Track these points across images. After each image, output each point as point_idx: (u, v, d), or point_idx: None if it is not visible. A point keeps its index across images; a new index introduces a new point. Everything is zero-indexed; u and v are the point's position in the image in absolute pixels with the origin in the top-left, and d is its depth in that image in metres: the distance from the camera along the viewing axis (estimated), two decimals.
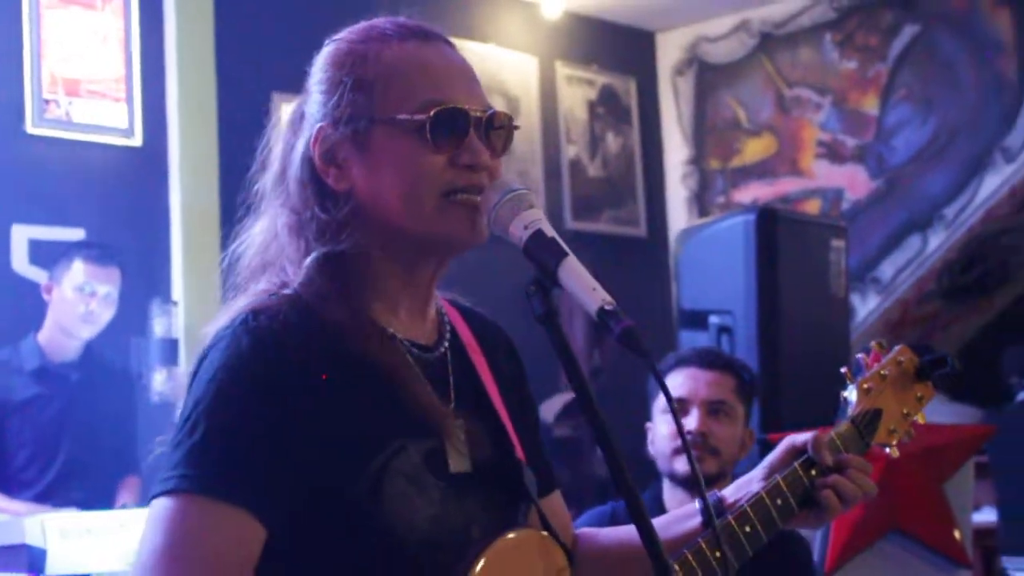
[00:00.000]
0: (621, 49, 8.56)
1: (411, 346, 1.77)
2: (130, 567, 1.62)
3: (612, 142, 8.41)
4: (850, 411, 2.12)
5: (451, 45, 1.81)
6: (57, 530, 3.93)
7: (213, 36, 6.13)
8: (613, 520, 3.08)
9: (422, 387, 1.74)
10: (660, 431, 3.23)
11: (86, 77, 5.68)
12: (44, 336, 4.93)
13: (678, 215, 8.62)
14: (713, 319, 4.58)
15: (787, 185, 8.21)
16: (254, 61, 6.14)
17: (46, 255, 5.37)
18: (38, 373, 4.87)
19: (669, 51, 8.71)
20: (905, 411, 2.16)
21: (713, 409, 3.21)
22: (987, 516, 6.29)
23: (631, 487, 1.57)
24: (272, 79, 5.85)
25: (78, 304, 4.85)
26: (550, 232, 1.62)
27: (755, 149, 8.38)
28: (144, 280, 5.53)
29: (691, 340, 4.62)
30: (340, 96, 1.75)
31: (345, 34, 1.82)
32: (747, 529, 1.93)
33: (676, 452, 3.17)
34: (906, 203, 7.71)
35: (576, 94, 8.19)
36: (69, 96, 5.62)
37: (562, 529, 1.94)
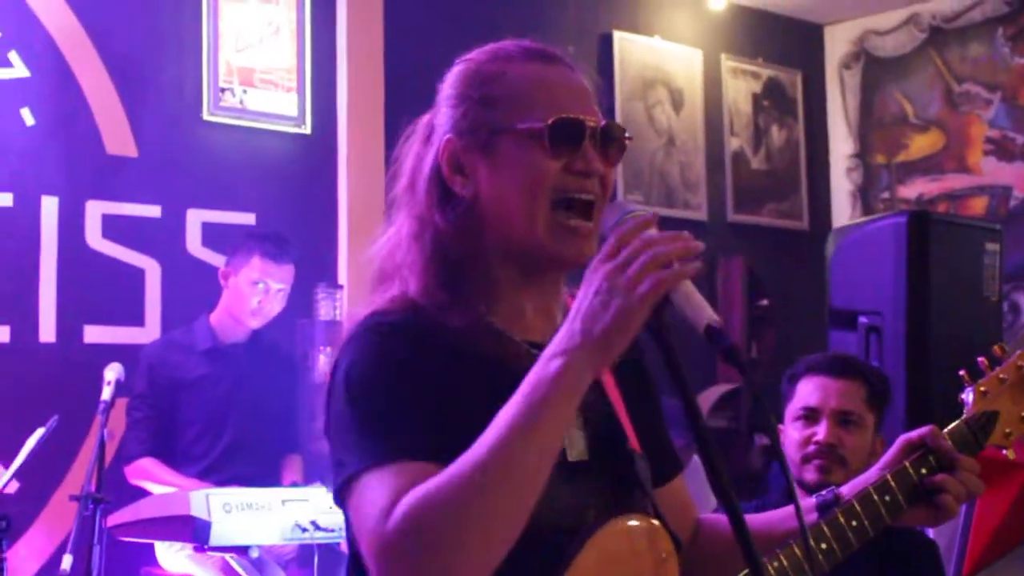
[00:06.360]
0: (787, 42, 8.55)
1: (528, 346, 1.86)
2: (363, 545, 1.66)
3: (776, 135, 8.40)
4: (965, 413, 2.18)
5: (571, 67, 1.92)
6: (221, 504, 4.13)
7: (383, 29, 6.32)
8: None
9: None
10: (791, 437, 3.25)
11: (260, 67, 5.92)
12: (216, 318, 5.11)
13: (842, 209, 8.59)
14: (862, 319, 4.56)
15: (953, 182, 8.12)
16: (422, 54, 6.27)
17: (219, 238, 5.61)
18: (209, 353, 5.04)
19: (837, 44, 8.67)
20: (1023, 414, 2.21)
21: (843, 419, 3.21)
22: None
23: (728, 492, 1.65)
24: (438, 72, 5.97)
25: (252, 298, 5.01)
26: None
27: (921, 145, 8.29)
28: (310, 264, 5.69)
29: (840, 339, 4.61)
30: (467, 110, 1.88)
31: (474, 55, 1.95)
32: (853, 524, 2.02)
33: (805, 460, 3.19)
34: None
35: (740, 87, 8.21)
36: (243, 85, 5.86)
37: (680, 515, 2.04)
